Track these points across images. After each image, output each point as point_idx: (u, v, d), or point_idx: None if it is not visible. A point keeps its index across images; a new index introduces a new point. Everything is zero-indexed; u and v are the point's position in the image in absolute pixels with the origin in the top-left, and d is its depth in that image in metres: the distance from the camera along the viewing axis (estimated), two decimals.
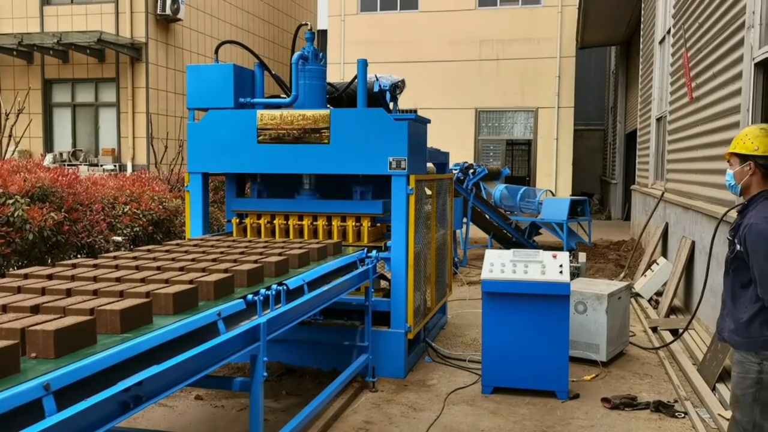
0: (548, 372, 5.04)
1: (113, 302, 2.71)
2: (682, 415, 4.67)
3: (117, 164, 17.27)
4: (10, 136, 10.50)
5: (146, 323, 2.72)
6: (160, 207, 8.99)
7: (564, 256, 5.19)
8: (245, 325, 3.10)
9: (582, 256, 8.77)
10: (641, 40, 14.42)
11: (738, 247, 3.08)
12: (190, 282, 3.24)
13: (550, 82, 20.03)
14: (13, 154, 10.22)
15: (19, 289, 3.03)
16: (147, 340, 2.51)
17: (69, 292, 2.96)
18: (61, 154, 17.77)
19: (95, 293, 2.95)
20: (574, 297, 5.76)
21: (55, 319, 2.44)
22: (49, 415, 1.97)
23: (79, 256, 7.39)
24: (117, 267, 3.63)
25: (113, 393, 2.15)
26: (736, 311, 3.13)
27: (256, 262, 3.94)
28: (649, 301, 8.39)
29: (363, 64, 5.60)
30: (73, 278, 3.30)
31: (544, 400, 4.99)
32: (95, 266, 3.65)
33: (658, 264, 8.67)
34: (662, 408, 4.75)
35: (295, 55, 5.62)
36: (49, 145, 18.16)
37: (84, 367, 2.18)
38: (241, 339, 3.02)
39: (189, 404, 4.84)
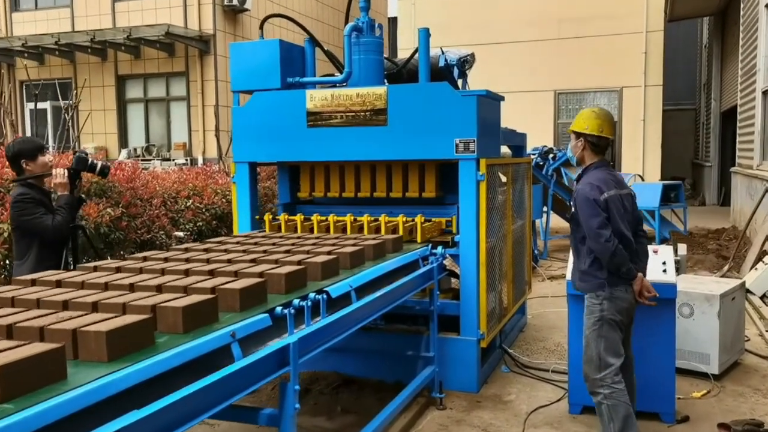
0: (650, 389, 4.22)
1: (176, 299, 2.51)
2: None
3: (188, 158, 17.24)
4: (79, 130, 10.44)
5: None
6: (224, 201, 8.62)
7: (667, 252, 4.36)
8: (271, 347, 2.50)
9: (682, 248, 7.76)
10: (741, 5, 13.01)
11: (573, 209, 3.71)
12: (212, 291, 2.69)
13: (636, 60, 18.58)
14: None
15: (82, 284, 2.88)
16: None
17: (132, 287, 2.78)
18: (135, 149, 17.93)
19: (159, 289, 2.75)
20: (679, 298, 4.87)
21: (111, 318, 2.24)
22: None
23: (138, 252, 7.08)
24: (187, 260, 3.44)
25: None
26: (579, 263, 3.77)
27: (299, 263, 3.36)
28: (762, 298, 7.34)
29: (425, 34, 4.90)
30: (141, 271, 3.16)
31: (644, 423, 4.15)
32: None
33: None
34: None
35: (348, 26, 4.98)
36: (123, 141, 18.36)
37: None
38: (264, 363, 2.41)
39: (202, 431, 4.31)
